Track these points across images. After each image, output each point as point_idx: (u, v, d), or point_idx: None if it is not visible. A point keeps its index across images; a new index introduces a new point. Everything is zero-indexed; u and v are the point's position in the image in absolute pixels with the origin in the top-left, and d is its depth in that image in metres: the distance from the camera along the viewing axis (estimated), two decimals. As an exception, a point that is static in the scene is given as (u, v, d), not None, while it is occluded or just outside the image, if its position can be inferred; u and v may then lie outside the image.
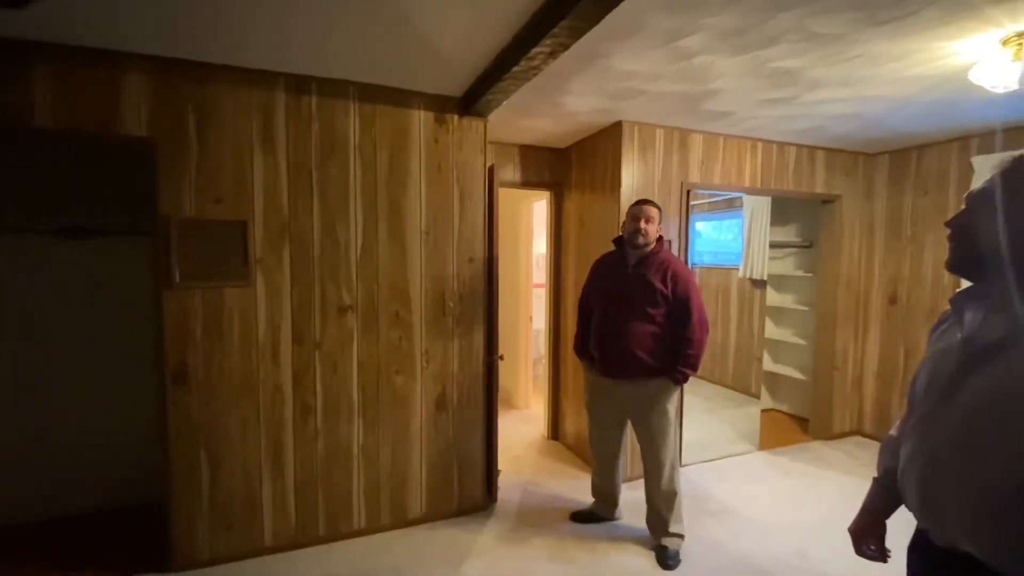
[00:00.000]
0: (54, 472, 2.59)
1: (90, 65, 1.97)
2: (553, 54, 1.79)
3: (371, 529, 2.52)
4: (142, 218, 2.33)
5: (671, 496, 2.38)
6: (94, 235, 2.60)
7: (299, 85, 2.27)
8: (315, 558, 2.33)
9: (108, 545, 2.39)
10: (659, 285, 2.27)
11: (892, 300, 3.72)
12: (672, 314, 2.29)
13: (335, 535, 2.45)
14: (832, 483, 3.13)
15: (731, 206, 4.90)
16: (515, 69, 1.91)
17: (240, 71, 2.17)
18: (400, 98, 2.44)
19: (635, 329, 2.30)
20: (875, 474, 1.18)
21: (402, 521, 2.58)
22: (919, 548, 1.00)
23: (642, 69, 2.17)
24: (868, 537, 1.18)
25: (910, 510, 0.98)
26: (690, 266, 3.24)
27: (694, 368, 2.29)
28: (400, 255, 2.50)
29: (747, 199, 4.37)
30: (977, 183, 0.93)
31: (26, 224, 2.48)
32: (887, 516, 1.16)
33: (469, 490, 2.73)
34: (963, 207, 0.94)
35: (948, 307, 0.99)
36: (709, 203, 4.95)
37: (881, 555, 1.17)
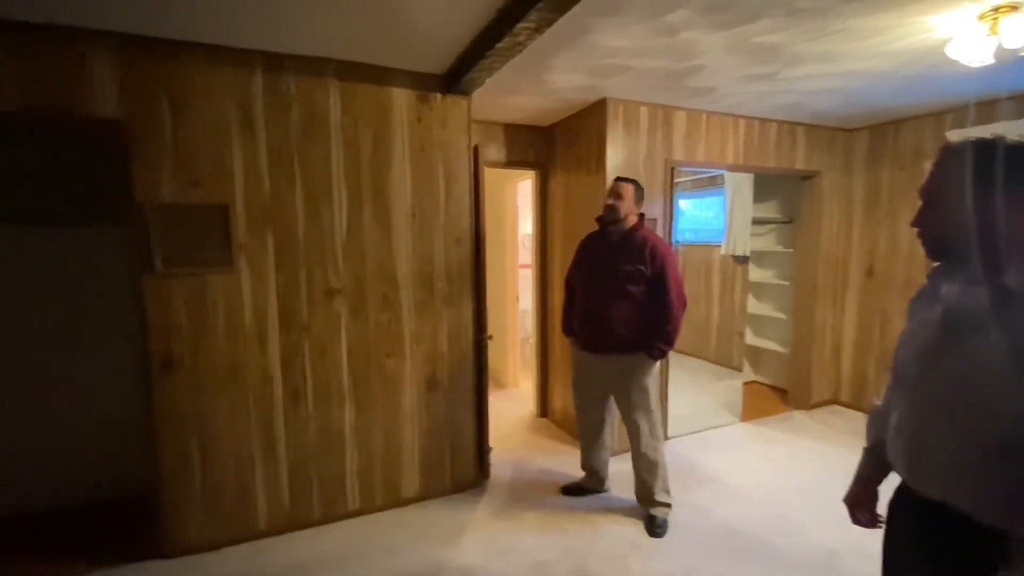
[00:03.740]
0: (40, 464, 2.55)
1: (56, 43, 1.89)
2: (538, 29, 1.76)
3: (366, 510, 2.55)
4: (118, 203, 2.26)
5: (653, 466, 2.45)
6: (71, 222, 2.51)
7: (277, 63, 2.20)
8: (310, 540, 2.35)
9: (99, 536, 2.38)
10: (638, 261, 2.31)
11: (869, 273, 3.83)
12: (651, 290, 2.33)
13: (330, 517, 2.48)
14: (811, 451, 3.25)
15: (713, 184, 4.94)
16: (499, 45, 1.88)
17: (215, 49, 2.09)
18: (381, 76, 2.39)
19: (615, 305, 2.34)
20: (863, 444, 1.22)
21: (396, 501, 2.62)
22: (902, 505, 1.06)
23: (626, 45, 2.15)
24: (862, 506, 1.23)
25: (899, 474, 1.03)
26: (674, 244, 3.29)
27: (670, 343, 2.34)
28: (386, 236, 2.48)
29: (729, 176, 4.41)
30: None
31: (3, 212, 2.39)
32: (879, 484, 1.21)
33: (462, 468, 2.77)
34: (932, 170, 0.98)
35: (925, 281, 1.04)
36: (692, 181, 4.98)
37: (873, 522, 1.22)
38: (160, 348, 2.12)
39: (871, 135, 3.75)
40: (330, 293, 2.39)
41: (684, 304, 2.36)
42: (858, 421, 3.74)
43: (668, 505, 2.46)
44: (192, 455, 2.21)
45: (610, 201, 2.35)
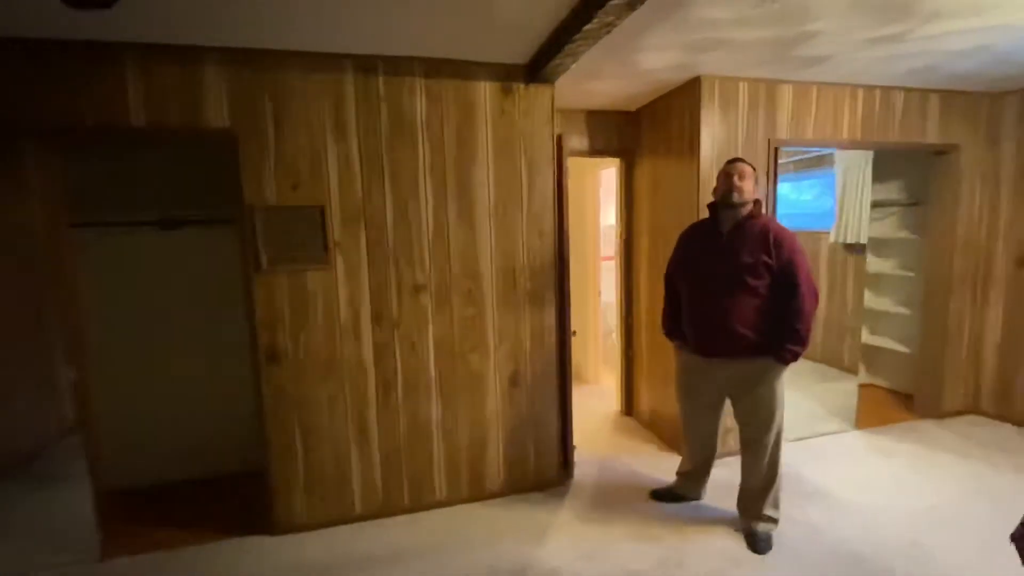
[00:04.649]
0: (169, 442, 2.87)
1: (173, 62, 2.07)
2: (631, 5, 1.64)
3: (452, 500, 2.60)
4: (229, 207, 2.46)
5: (771, 480, 2.23)
6: (192, 225, 2.79)
7: (366, 65, 2.26)
8: (404, 527, 2.44)
9: (219, 508, 2.63)
10: (760, 252, 2.06)
11: (1021, 263, 3.25)
12: (776, 284, 2.08)
13: (418, 505, 2.55)
14: (943, 467, 2.83)
15: (820, 164, 4.46)
16: (587, 27, 1.77)
17: (310, 56, 2.19)
18: (465, 71, 2.38)
19: (735, 303, 2.09)
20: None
21: (481, 494, 2.64)
22: None
23: (727, 16, 1.95)
24: None
25: None
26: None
27: (804, 345, 2.06)
28: (470, 232, 2.48)
29: (840, 155, 3.95)
30: None
31: (133, 218, 2.70)
32: None
33: (545, 466, 2.73)
34: None
35: None
36: (794, 162, 4.53)
37: None
38: (266, 340, 2.28)
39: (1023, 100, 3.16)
40: (417, 289, 2.44)
41: (816, 299, 2.09)
42: (1005, 434, 3.21)
43: (775, 521, 2.24)
44: (296, 440, 2.37)
45: (735, 181, 2.09)
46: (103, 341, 2.70)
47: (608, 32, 1.85)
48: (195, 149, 2.77)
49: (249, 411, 2.55)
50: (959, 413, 3.51)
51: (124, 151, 2.73)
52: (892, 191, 4.03)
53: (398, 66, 2.29)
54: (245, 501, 2.66)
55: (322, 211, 2.28)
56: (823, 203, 4.49)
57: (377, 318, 2.40)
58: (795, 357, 2.06)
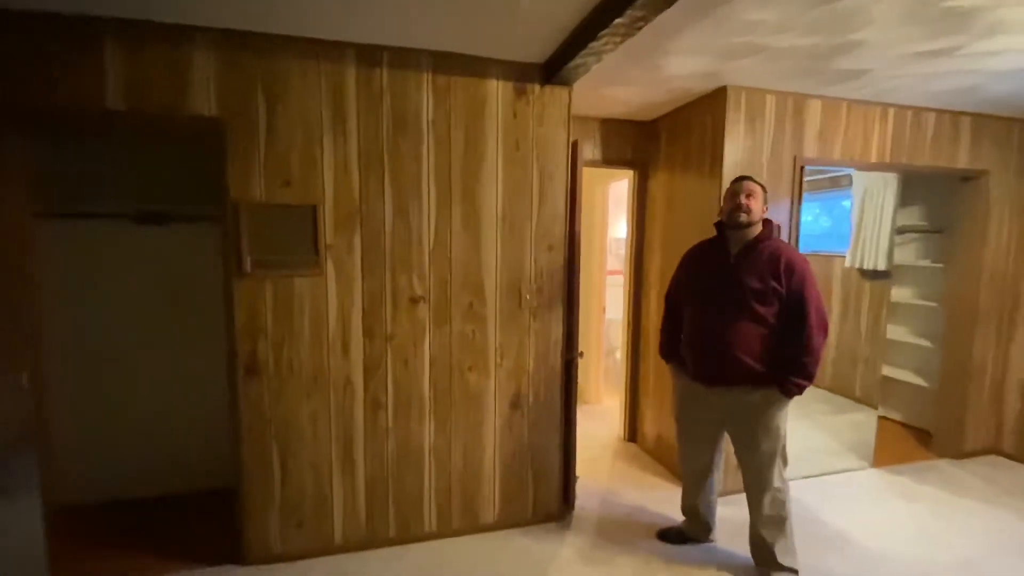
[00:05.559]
0: (133, 454, 2.64)
1: (159, 41, 1.87)
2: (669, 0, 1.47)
3: (442, 533, 2.38)
4: (215, 203, 2.26)
5: (779, 523, 2.06)
6: (174, 221, 2.58)
7: (370, 56, 2.08)
8: (388, 561, 2.22)
9: (186, 531, 2.40)
10: (770, 277, 1.92)
11: (1051, 297, 3.09)
12: (784, 313, 1.94)
13: (405, 537, 2.33)
14: (969, 513, 2.64)
15: (836, 185, 4.32)
16: (618, 21, 1.60)
17: (309, 42, 2.00)
18: (476, 67, 2.20)
19: (739, 329, 1.96)
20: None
21: (474, 526, 2.42)
22: None
23: (771, 18, 1.78)
24: None
25: None
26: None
27: (810, 378, 1.93)
28: (474, 241, 2.29)
29: (858, 176, 3.80)
30: None
31: (107, 210, 2.49)
32: None
33: (544, 497, 2.52)
34: None
35: None
36: (809, 181, 4.38)
37: None
38: (246, 350, 2.07)
39: (1062, 126, 3.02)
40: (415, 300, 2.24)
41: (826, 333, 1.95)
42: (1030, 479, 3.03)
43: (794, 571, 2.05)
44: (272, 461, 2.15)
45: (742, 200, 1.96)
46: (66, 342, 2.48)
47: (639, 29, 1.67)
48: (185, 138, 2.56)
49: (224, 426, 2.34)
50: (980, 453, 3.33)
51: (105, 137, 2.52)
52: (913, 217, 3.88)
53: (404, 58, 2.11)
54: (214, 525, 2.43)
55: (314, 211, 2.08)
56: (840, 225, 4.34)
57: (369, 331, 2.20)
58: (800, 391, 1.94)
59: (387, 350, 2.23)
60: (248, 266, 2.02)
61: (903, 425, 3.85)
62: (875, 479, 3.03)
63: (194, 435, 2.69)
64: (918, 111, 2.90)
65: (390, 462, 2.28)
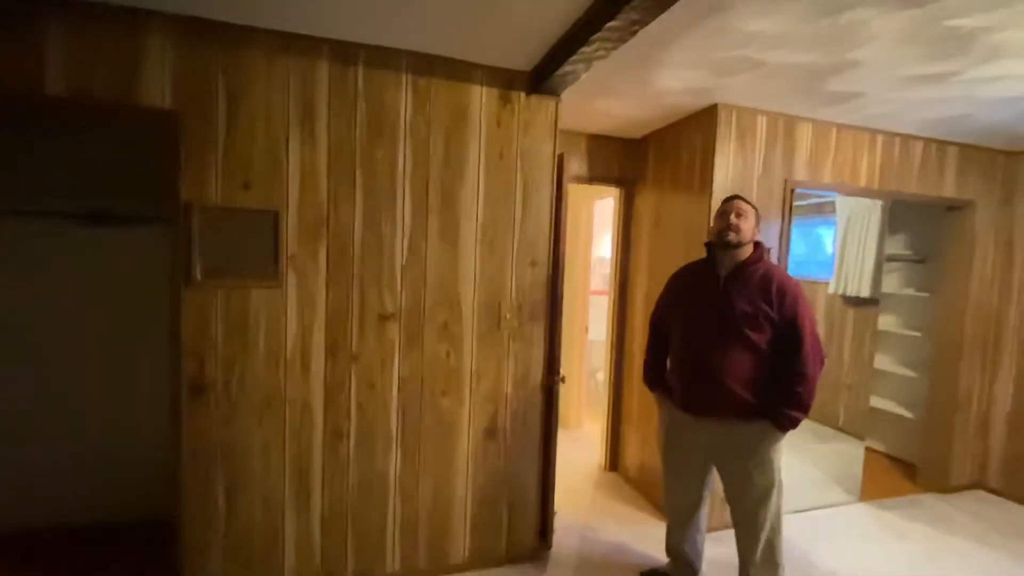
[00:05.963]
0: (61, 480, 2.37)
1: (108, 24, 1.70)
2: (665, 1, 1.36)
3: (406, 572, 2.17)
4: (164, 204, 2.07)
5: (771, 569, 1.91)
6: (125, 222, 2.36)
7: (345, 53, 1.93)
8: (341, 607, 1.99)
9: (115, 567, 2.14)
10: (761, 301, 1.81)
11: (1035, 330, 3.06)
12: (777, 340, 1.82)
13: (365, 578, 2.11)
14: (962, 554, 2.53)
15: (820, 212, 4.30)
16: (611, 24, 1.49)
17: (278, 35, 1.85)
18: (460, 71, 2.07)
19: (729, 356, 1.84)
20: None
21: (442, 566, 2.21)
22: None
23: (770, 29, 1.70)
24: None
25: None
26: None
27: (805, 410, 1.81)
28: (452, 256, 2.13)
29: (842, 203, 3.78)
30: None
31: (49, 207, 2.27)
32: None
33: (520, 534, 2.33)
34: None
35: None
36: (795, 207, 4.36)
37: None
38: (192, 368, 1.86)
39: (1044, 159, 3.03)
40: (384, 318, 2.06)
41: (822, 362, 1.84)
42: (1018, 516, 2.95)
43: (787, 622, 1.90)
44: (218, 493, 1.92)
45: (732, 220, 1.86)
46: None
47: (634, 34, 1.57)
48: (141, 132, 2.36)
49: (164, 451, 2.11)
50: (965, 488, 3.26)
51: (51, 127, 2.31)
52: (897, 246, 3.86)
53: (383, 58, 1.97)
54: (147, 561, 2.17)
55: (276, 217, 1.90)
56: (797, 250, 4.31)
57: (332, 350, 2.01)
58: (794, 424, 1.81)
59: (351, 371, 2.04)
60: (198, 274, 1.83)
61: (887, 456, 3.77)
62: (864, 514, 2.91)
63: (129, 460, 2.43)
64: (906, 139, 2.87)
65: (351, 495, 2.07)
